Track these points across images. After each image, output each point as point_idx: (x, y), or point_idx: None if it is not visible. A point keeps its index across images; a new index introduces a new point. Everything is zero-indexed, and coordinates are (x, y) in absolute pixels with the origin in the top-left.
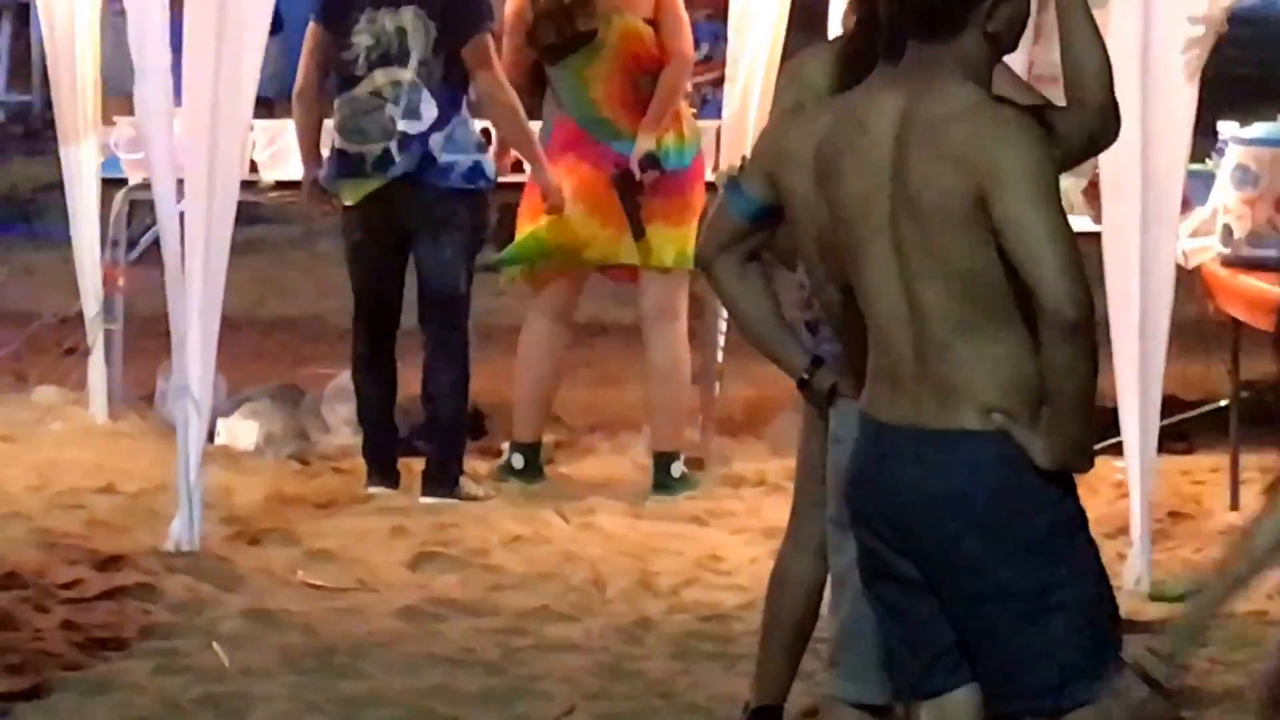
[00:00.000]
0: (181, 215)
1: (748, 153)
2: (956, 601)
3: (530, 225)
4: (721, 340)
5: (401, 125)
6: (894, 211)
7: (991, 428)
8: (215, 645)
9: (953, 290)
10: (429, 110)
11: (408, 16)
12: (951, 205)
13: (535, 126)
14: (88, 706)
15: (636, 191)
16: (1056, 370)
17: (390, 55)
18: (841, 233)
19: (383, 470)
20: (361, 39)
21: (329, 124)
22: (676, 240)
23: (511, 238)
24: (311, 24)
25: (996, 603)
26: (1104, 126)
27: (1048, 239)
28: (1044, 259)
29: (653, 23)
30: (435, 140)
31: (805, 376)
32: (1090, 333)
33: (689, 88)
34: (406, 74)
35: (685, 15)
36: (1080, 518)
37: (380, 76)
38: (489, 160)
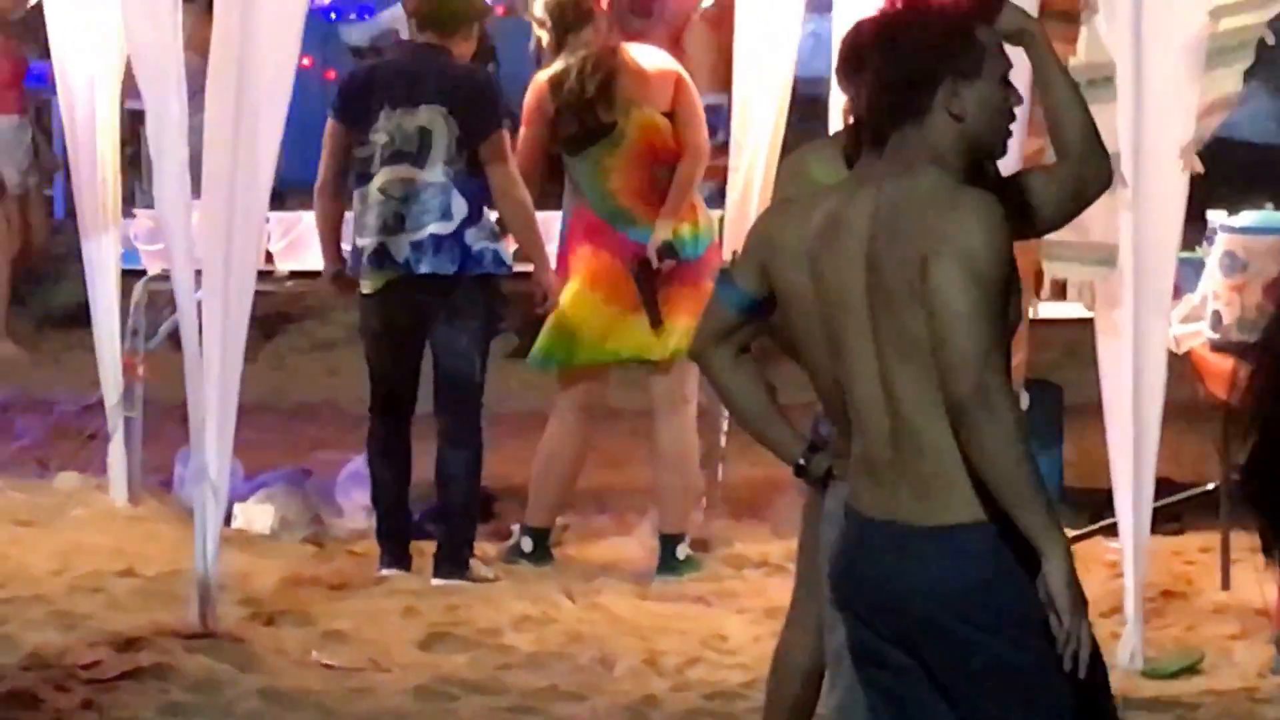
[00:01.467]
0: (199, 304)
1: (739, 246)
2: (957, 683)
3: (565, 308)
4: (725, 424)
5: (433, 227)
6: (870, 300)
7: (969, 520)
8: None
9: (923, 374)
10: (459, 208)
11: (428, 116)
12: (910, 281)
13: (549, 215)
14: None
15: (654, 280)
16: (974, 458)
17: (406, 153)
18: (827, 323)
19: (396, 553)
20: (379, 137)
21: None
22: (690, 330)
23: (525, 322)
24: (330, 121)
25: (998, 679)
26: (1089, 174)
27: (962, 318)
28: (948, 339)
29: (669, 115)
30: (470, 234)
31: (800, 462)
32: (993, 411)
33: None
34: (433, 175)
35: (701, 108)
36: None
37: (394, 173)
38: (505, 248)
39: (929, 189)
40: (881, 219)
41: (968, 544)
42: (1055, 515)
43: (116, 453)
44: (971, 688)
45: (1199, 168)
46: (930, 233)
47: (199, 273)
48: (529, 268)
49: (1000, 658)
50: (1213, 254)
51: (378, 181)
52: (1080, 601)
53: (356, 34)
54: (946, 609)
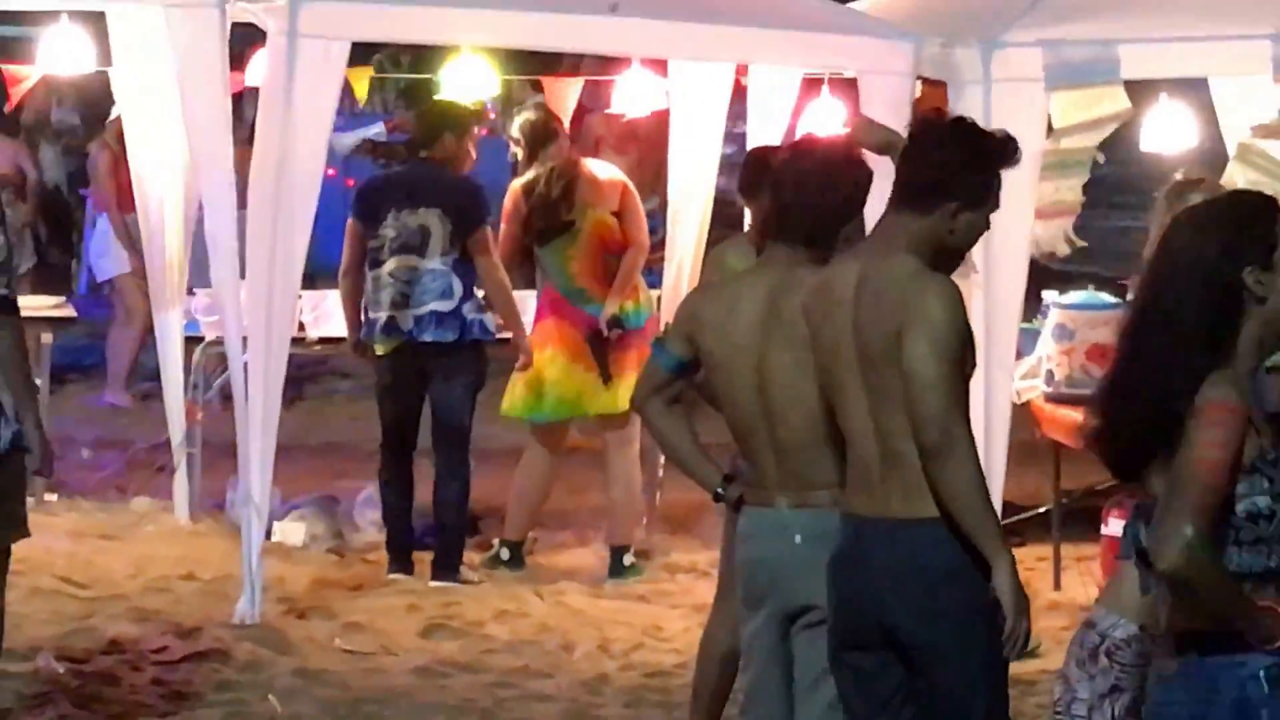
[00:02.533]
0: (246, 364)
1: (669, 320)
2: (922, 650)
3: (539, 369)
4: (661, 460)
5: (435, 305)
6: (858, 354)
7: (937, 515)
8: (271, 697)
9: (902, 413)
10: (458, 289)
11: (427, 216)
12: (887, 347)
13: (527, 294)
14: None
15: (605, 345)
16: (937, 483)
17: (410, 245)
18: (825, 373)
19: (401, 561)
20: (387, 232)
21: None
22: (631, 383)
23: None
24: (350, 220)
25: (955, 650)
26: None
27: (927, 383)
28: (919, 397)
29: (618, 215)
30: (467, 308)
31: (719, 490)
32: (953, 453)
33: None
34: (433, 263)
35: (643, 210)
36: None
37: (401, 261)
38: (490, 318)
39: (906, 272)
40: (865, 288)
41: (941, 531)
42: (1003, 535)
43: (180, 482)
44: (930, 652)
45: (1064, 251)
46: (904, 308)
47: (246, 339)
48: (508, 334)
49: (958, 634)
50: (1047, 325)
51: (387, 267)
52: (1023, 602)
53: (342, 143)
54: (925, 580)
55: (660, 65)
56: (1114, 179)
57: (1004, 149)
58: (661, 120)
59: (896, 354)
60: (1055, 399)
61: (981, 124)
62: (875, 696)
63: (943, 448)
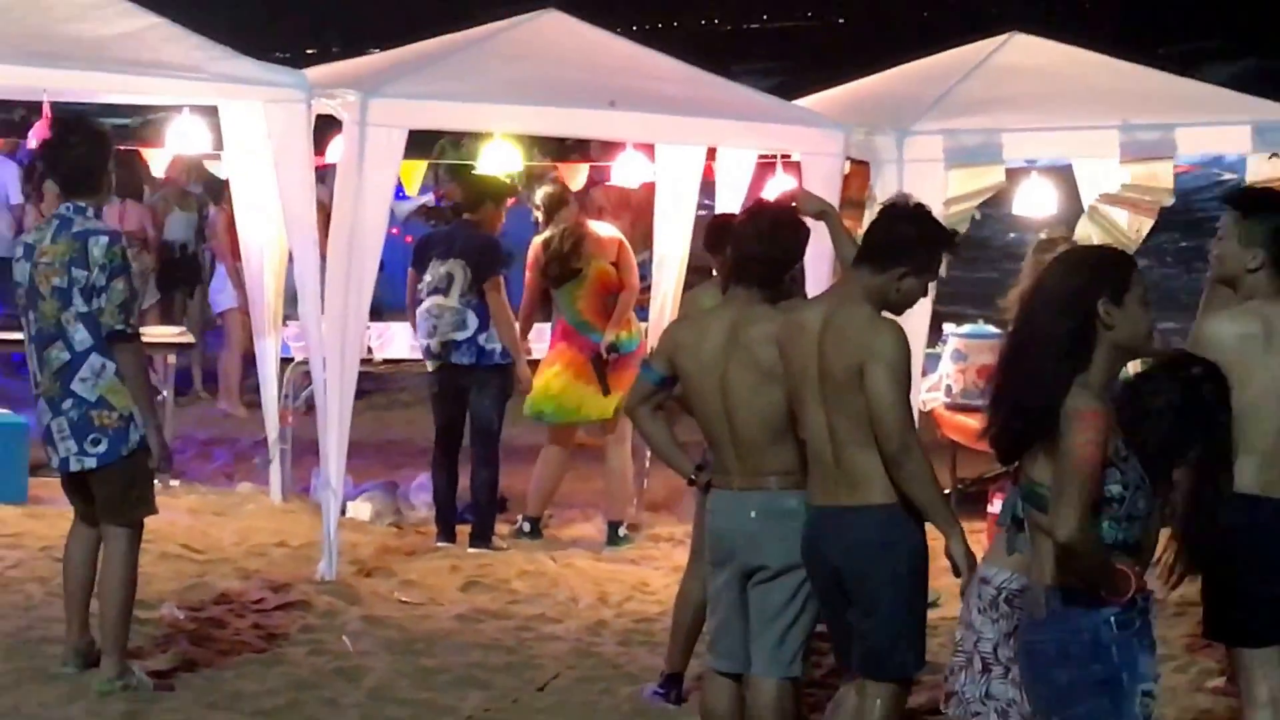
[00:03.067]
0: (325, 380)
1: (650, 343)
2: (863, 601)
3: (548, 380)
4: (647, 454)
5: (453, 334)
6: (820, 378)
7: (879, 501)
8: (344, 637)
9: (855, 426)
10: (472, 322)
11: (453, 265)
12: (849, 375)
13: (543, 326)
14: (268, 674)
15: (604, 365)
16: (901, 481)
17: (439, 288)
18: (792, 390)
19: (446, 532)
20: (427, 277)
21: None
22: (624, 394)
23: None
24: (410, 269)
25: (886, 597)
26: None
27: (888, 406)
28: (882, 417)
29: (615, 264)
30: (483, 338)
31: (692, 477)
32: (910, 457)
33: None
34: (453, 302)
35: (635, 261)
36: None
37: (434, 301)
38: (507, 339)
39: (865, 317)
40: (829, 327)
41: (879, 516)
42: (953, 512)
43: (275, 471)
44: (869, 604)
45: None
46: (865, 347)
47: (325, 360)
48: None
49: (885, 582)
50: (946, 350)
51: (425, 305)
52: (972, 560)
53: (402, 209)
54: (865, 553)
55: (648, 148)
56: (977, 240)
57: (949, 237)
58: (649, 191)
59: (857, 381)
60: (952, 407)
61: (894, 194)
62: (838, 623)
63: (901, 453)
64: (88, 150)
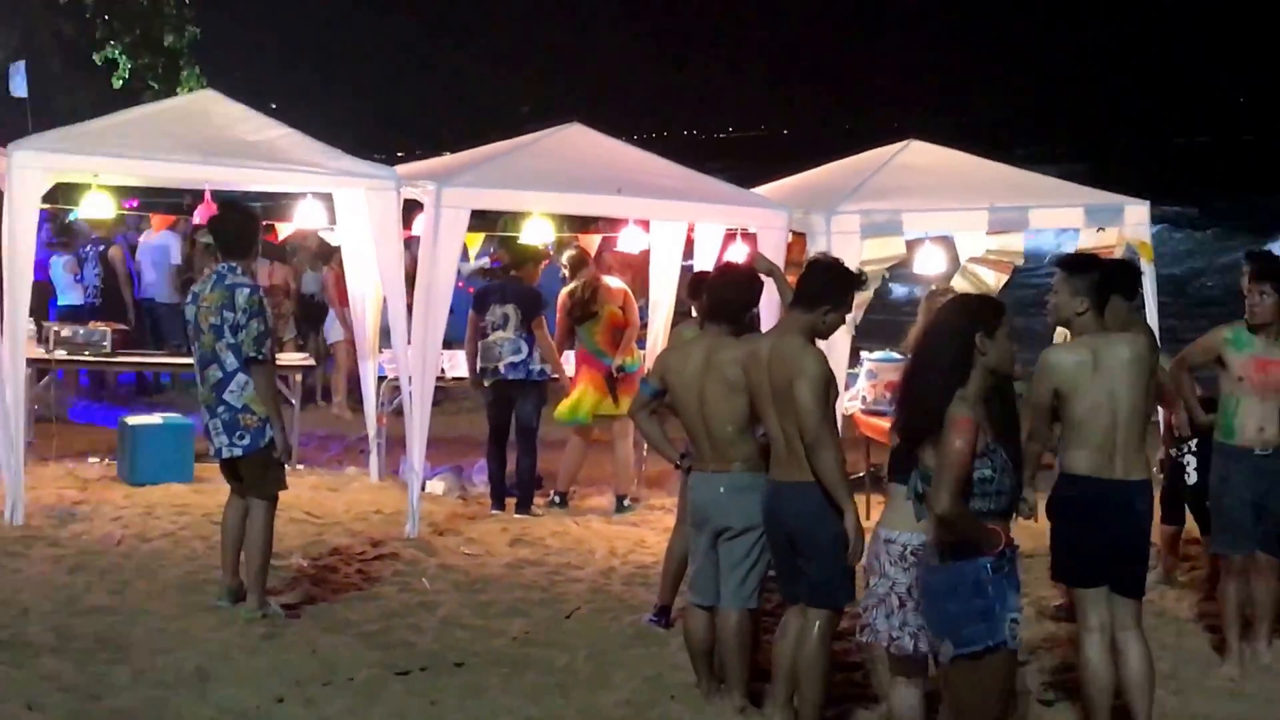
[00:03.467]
0: (410, 393)
1: (648, 364)
2: (808, 550)
3: (576, 397)
4: (646, 445)
5: (511, 358)
6: (771, 390)
7: (810, 479)
8: (424, 580)
9: (793, 422)
10: (524, 349)
11: (508, 309)
12: (787, 388)
13: (570, 352)
14: (367, 606)
15: (614, 382)
16: (813, 466)
17: (498, 325)
18: (754, 400)
19: (498, 502)
20: (489, 318)
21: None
22: (628, 402)
23: (557, 400)
24: (471, 312)
25: (823, 548)
26: None
27: (808, 411)
28: (804, 419)
29: (622, 308)
30: (530, 361)
31: (678, 463)
32: (821, 448)
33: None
34: (510, 335)
35: (636, 306)
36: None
37: (495, 334)
38: (547, 367)
39: (797, 346)
40: (774, 353)
41: (815, 489)
42: (850, 493)
43: (373, 459)
44: (810, 555)
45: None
46: (795, 367)
47: (410, 378)
48: (557, 376)
49: (824, 539)
50: (862, 370)
51: (489, 339)
52: (859, 532)
53: (467, 268)
54: (806, 517)
55: (645, 223)
56: (884, 290)
57: (857, 279)
58: (646, 255)
59: (791, 392)
60: (867, 412)
61: (817, 253)
62: (787, 568)
63: (815, 444)
64: (240, 224)
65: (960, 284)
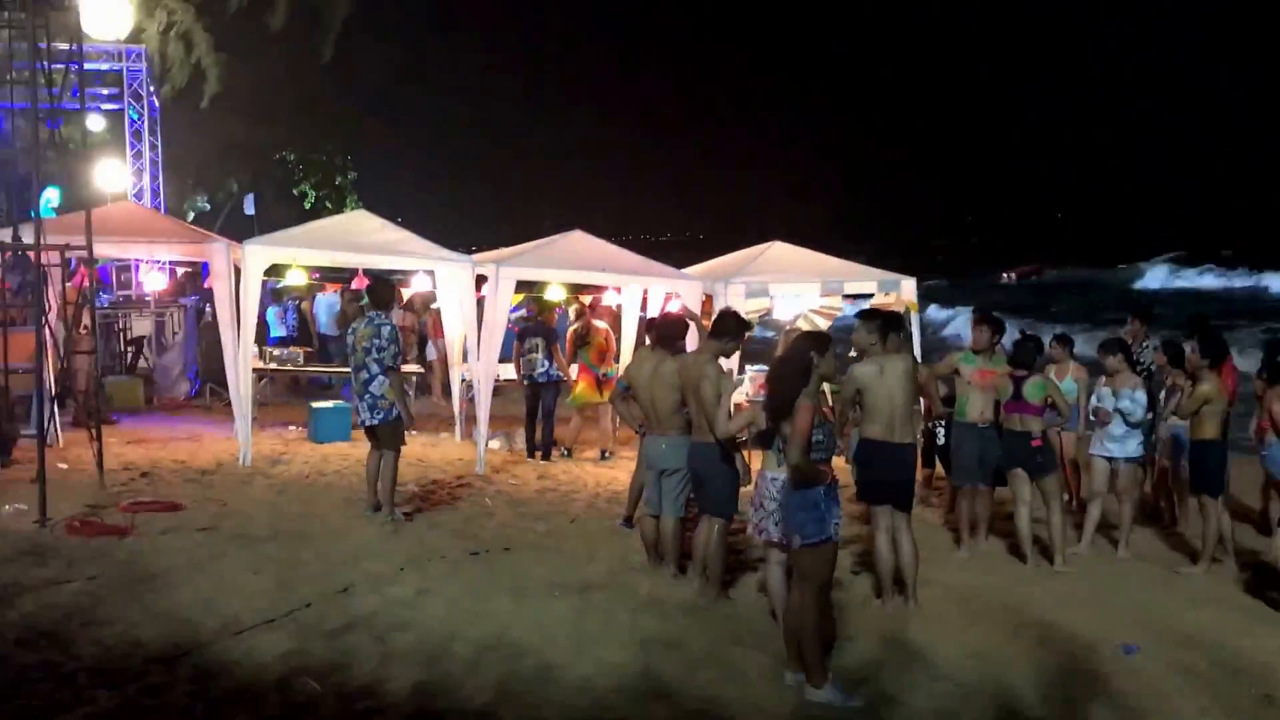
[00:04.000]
0: (480, 389)
1: (621, 370)
2: (706, 486)
3: (579, 390)
4: (618, 419)
5: (540, 369)
6: (691, 388)
7: (713, 441)
8: (486, 500)
9: (700, 407)
10: (547, 364)
11: (538, 340)
12: (697, 384)
13: (573, 366)
14: (452, 514)
15: (601, 383)
16: (713, 433)
17: (533, 349)
18: (685, 393)
19: (530, 454)
20: (527, 344)
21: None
22: (609, 394)
23: (567, 393)
24: (515, 341)
25: (715, 486)
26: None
27: (709, 401)
28: (705, 406)
29: (604, 340)
30: (551, 370)
31: (637, 430)
32: (717, 424)
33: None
34: (539, 356)
35: (613, 337)
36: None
37: (528, 355)
38: (559, 372)
39: (705, 360)
40: (693, 365)
41: (716, 447)
42: (737, 444)
43: (457, 427)
44: (710, 484)
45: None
46: (702, 373)
47: (480, 380)
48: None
49: (718, 477)
50: (746, 376)
51: (527, 358)
52: (747, 471)
53: (512, 315)
54: (707, 462)
55: (619, 289)
56: (760, 331)
57: (747, 325)
58: (619, 309)
59: (700, 388)
60: (750, 401)
61: (724, 308)
62: (698, 493)
63: (711, 420)
64: (383, 288)
65: (803, 325)
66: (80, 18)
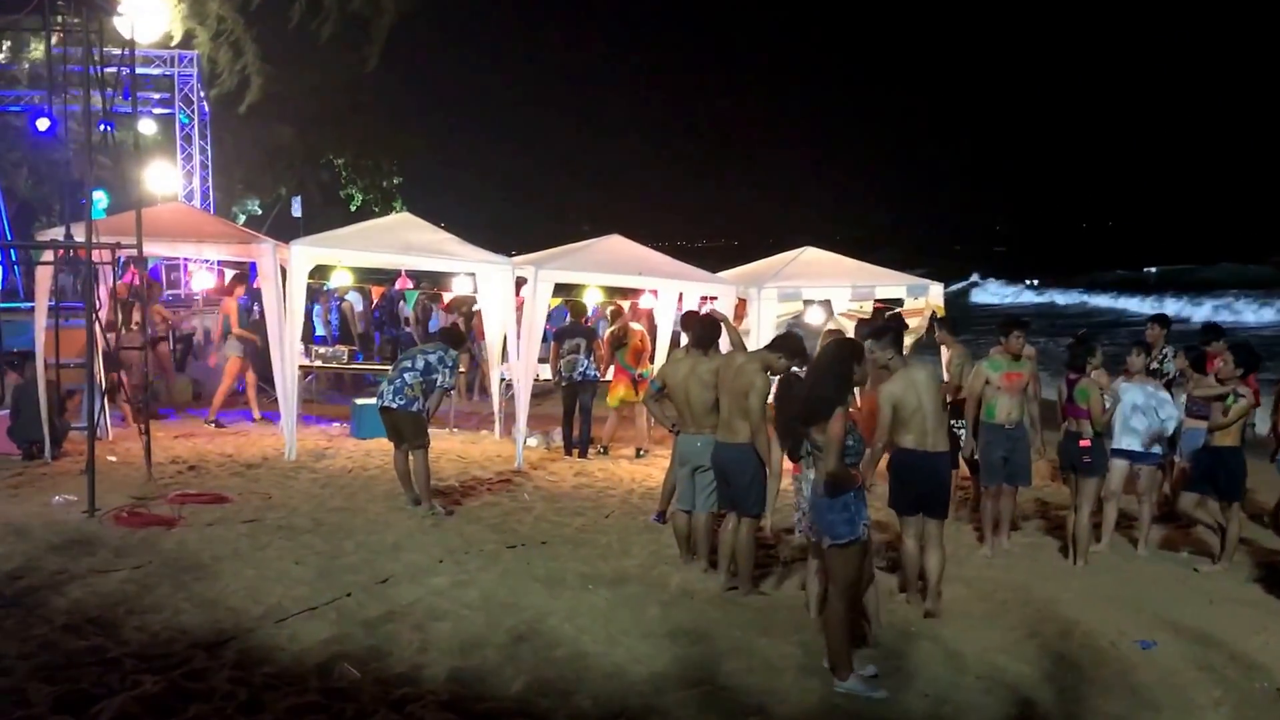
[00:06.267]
0: (519, 388)
1: (656, 373)
2: (733, 485)
3: (619, 391)
4: (653, 419)
5: (579, 369)
6: (729, 389)
7: (742, 441)
8: (525, 494)
9: (739, 410)
10: (586, 364)
11: (578, 340)
12: (742, 389)
13: (611, 367)
14: (492, 509)
15: (636, 383)
16: (755, 439)
17: (573, 350)
18: (721, 394)
19: (568, 451)
20: (567, 345)
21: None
22: (643, 394)
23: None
24: (552, 342)
25: (746, 481)
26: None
27: (754, 410)
28: (750, 411)
29: (640, 340)
30: (590, 370)
31: (671, 429)
32: (760, 433)
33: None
34: (580, 356)
35: (649, 338)
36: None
37: (568, 357)
38: (596, 372)
39: (754, 369)
40: (741, 370)
41: (748, 447)
42: (770, 452)
43: (496, 425)
44: (737, 484)
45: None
46: (750, 382)
47: (519, 380)
48: (606, 379)
49: (745, 477)
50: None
51: (566, 358)
52: (780, 470)
53: (550, 317)
54: (734, 463)
55: (654, 291)
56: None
57: (804, 352)
58: (653, 309)
59: (746, 397)
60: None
61: (784, 331)
62: (723, 491)
63: (757, 432)
64: (454, 330)
65: (834, 324)
66: (116, 21)
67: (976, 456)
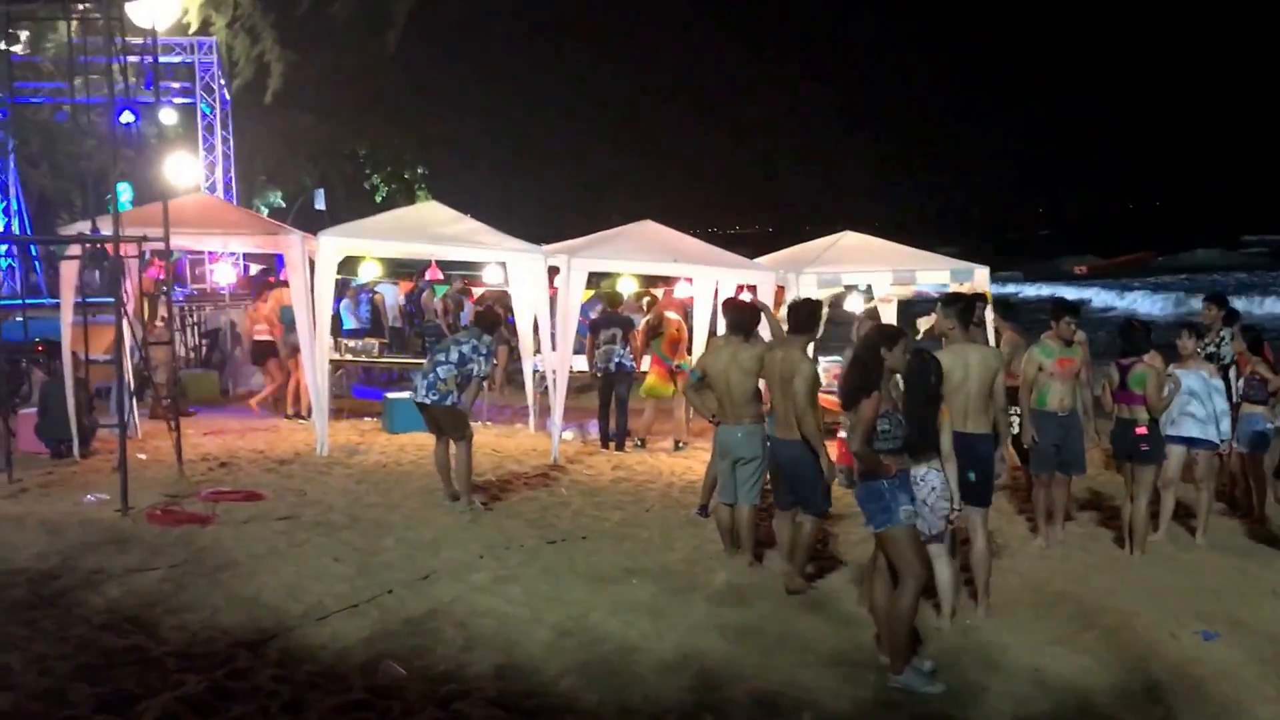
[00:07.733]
0: (554, 380)
1: (694, 362)
2: (794, 484)
3: (650, 381)
4: (692, 410)
5: (615, 359)
6: (779, 379)
7: (798, 438)
8: (563, 489)
9: (788, 401)
10: (621, 354)
11: (614, 330)
12: (788, 378)
13: (647, 356)
14: (530, 503)
15: (673, 374)
16: (802, 428)
17: (610, 340)
18: (769, 383)
19: (604, 444)
20: (603, 335)
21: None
22: (683, 386)
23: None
24: (588, 333)
25: (809, 478)
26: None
27: (802, 396)
28: (799, 400)
29: (677, 329)
30: (627, 359)
31: (711, 419)
32: (808, 420)
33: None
34: (616, 346)
35: (685, 328)
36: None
37: (604, 347)
38: (635, 363)
39: (798, 356)
40: (785, 359)
41: (801, 442)
42: (824, 444)
43: (531, 418)
44: (799, 483)
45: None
46: (796, 369)
47: (555, 372)
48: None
49: (807, 475)
50: (820, 367)
51: (603, 349)
52: (832, 467)
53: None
54: (793, 461)
55: (690, 279)
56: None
57: (817, 311)
58: (689, 299)
59: (792, 385)
60: (825, 391)
61: (796, 298)
62: (781, 489)
63: (804, 417)
64: (489, 313)
65: (871, 310)
66: (133, 8)
67: (1029, 443)
